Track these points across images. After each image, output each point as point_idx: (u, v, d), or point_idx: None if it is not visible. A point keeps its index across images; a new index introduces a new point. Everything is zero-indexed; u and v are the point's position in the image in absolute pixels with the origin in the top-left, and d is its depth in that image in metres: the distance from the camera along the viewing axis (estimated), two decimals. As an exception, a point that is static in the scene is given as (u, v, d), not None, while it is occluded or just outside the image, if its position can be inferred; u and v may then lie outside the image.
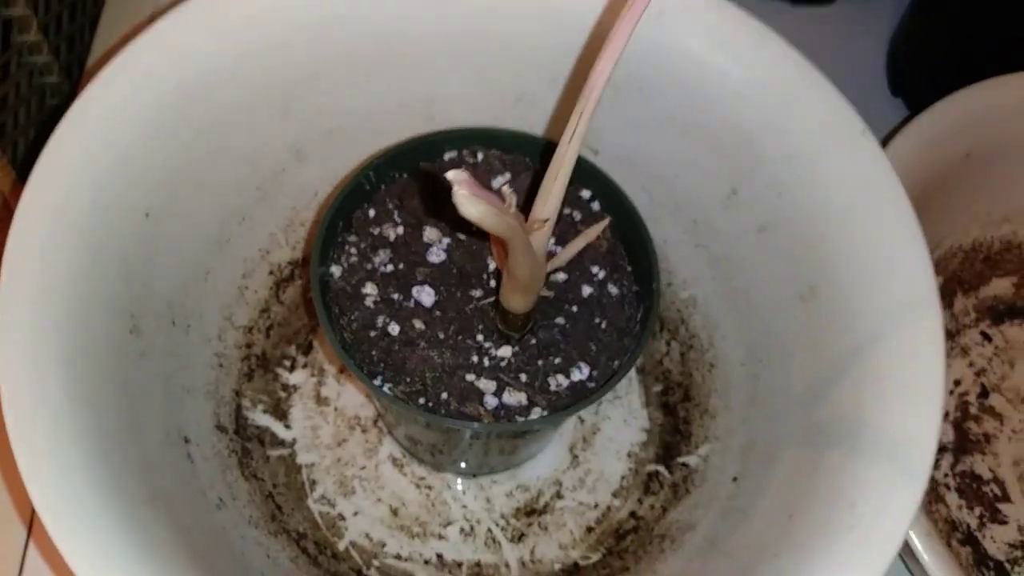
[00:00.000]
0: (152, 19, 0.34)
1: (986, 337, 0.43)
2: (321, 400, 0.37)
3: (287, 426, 0.36)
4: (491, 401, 0.29)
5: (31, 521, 0.34)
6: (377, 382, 0.28)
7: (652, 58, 0.33)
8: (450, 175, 0.17)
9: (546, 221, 0.23)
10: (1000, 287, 0.44)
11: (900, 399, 0.26)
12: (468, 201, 0.17)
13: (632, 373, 0.39)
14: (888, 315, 0.28)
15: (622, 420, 0.38)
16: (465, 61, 0.35)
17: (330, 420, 0.37)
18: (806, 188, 0.32)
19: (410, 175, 0.32)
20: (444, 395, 0.28)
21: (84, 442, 0.25)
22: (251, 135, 0.33)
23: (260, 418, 0.36)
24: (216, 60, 0.30)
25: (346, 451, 0.36)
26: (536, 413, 0.28)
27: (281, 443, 0.36)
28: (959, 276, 0.43)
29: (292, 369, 0.37)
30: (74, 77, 0.48)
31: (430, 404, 0.28)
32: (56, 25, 0.46)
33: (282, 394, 0.37)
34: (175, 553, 0.25)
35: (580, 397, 0.29)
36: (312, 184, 0.37)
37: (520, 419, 0.28)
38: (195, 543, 0.26)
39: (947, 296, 0.43)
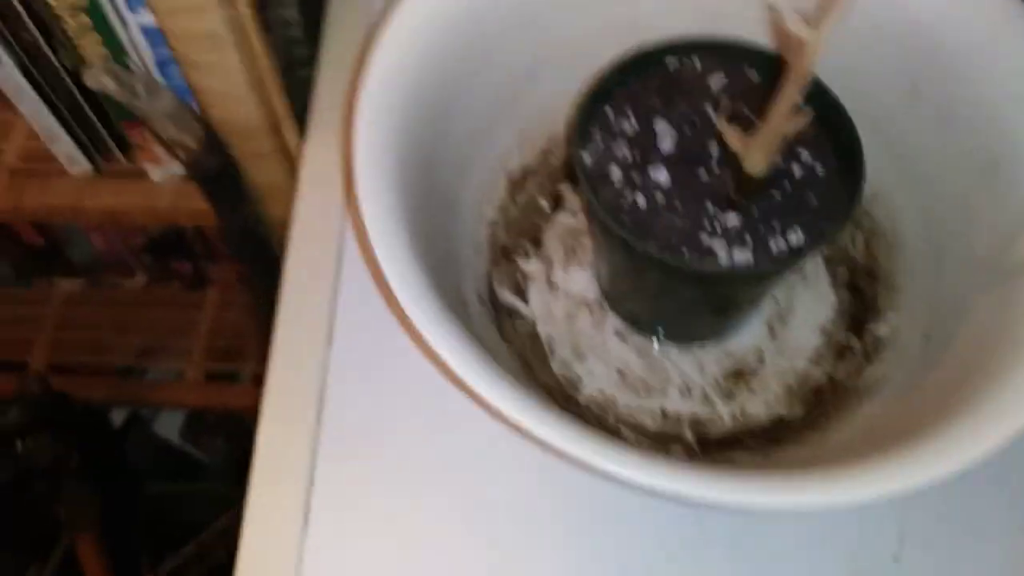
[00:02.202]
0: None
1: None
2: (552, 285, 0.44)
3: (527, 304, 0.43)
4: (723, 258, 0.34)
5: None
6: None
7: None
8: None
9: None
10: None
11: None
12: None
13: (819, 261, 0.44)
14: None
15: (812, 300, 0.43)
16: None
17: (560, 301, 0.43)
18: (981, 74, 0.36)
19: (640, 81, 0.38)
20: (685, 252, 0.34)
21: (420, 274, 0.32)
22: (502, 56, 0.40)
23: (507, 296, 0.42)
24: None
25: (576, 325, 0.43)
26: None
27: (523, 317, 0.42)
28: None
29: (527, 258, 0.44)
30: (309, 34, 0.55)
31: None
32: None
33: (519, 279, 0.43)
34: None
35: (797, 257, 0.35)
36: (539, 104, 0.43)
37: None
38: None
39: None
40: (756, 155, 0.32)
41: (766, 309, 0.43)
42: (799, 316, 0.43)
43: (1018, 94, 0.36)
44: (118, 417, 1.04)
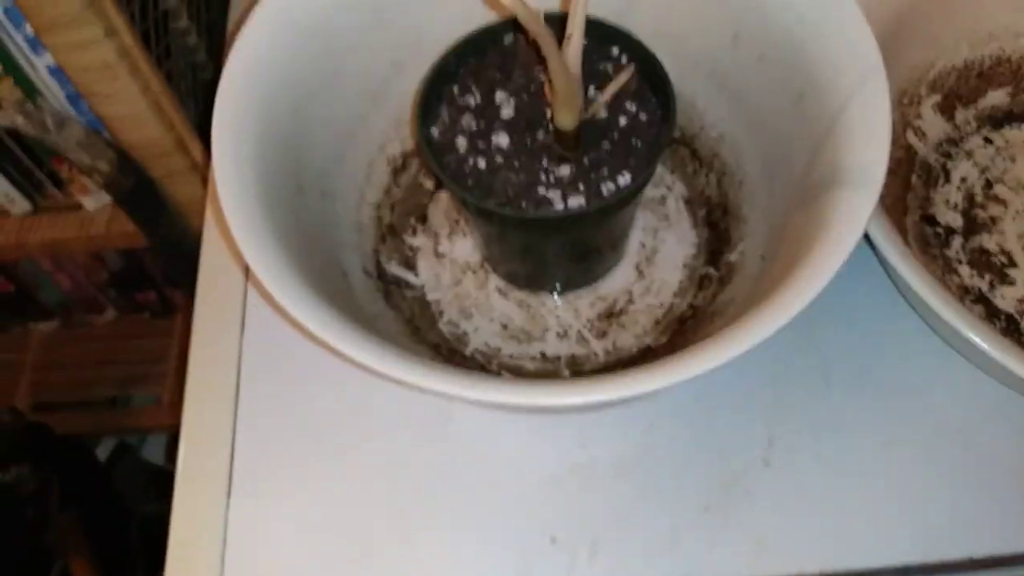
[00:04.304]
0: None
1: (988, 141, 0.50)
2: (438, 255, 0.48)
3: (416, 275, 0.47)
4: (559, 206, 0.39)
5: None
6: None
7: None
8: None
9: (571, 36, 0.33)
10: (996, 98, 0.51)
11: (861, 143, 0.35)
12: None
13: (680, 204, 0.48)
14: (849, 91, 0.37)
15: (676, 241, 0.48)
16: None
17: (447, 268, 0.48)
18: (786, 18, 0.41)
19: (479, 58, 0.42)
20: (523, 204, 0.38)
21: (277, 247, 0.36)
22: (363, 52, 0.44)
23: (395, 269, 0.47)
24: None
25: (462, 288, 0.47)
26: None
27: (412, 287, 0.47)
28: (957, 92, 0.50)
29: (414, 234, 0.48)
30: (215, 57, 0.61)
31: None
32: (198, 14, 0.58)
33: (408, 253, 0.48)
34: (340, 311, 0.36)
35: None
36: (410, 90, 0.48)
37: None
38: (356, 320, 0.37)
39: (948, 110, 0.50)
40: (561, 112, 0.37)
41: (634, 254, 0.48)
42: (664, 256, 0.47)
43: (816, 30, 0.40)
44: (107, 447, 1.08)
